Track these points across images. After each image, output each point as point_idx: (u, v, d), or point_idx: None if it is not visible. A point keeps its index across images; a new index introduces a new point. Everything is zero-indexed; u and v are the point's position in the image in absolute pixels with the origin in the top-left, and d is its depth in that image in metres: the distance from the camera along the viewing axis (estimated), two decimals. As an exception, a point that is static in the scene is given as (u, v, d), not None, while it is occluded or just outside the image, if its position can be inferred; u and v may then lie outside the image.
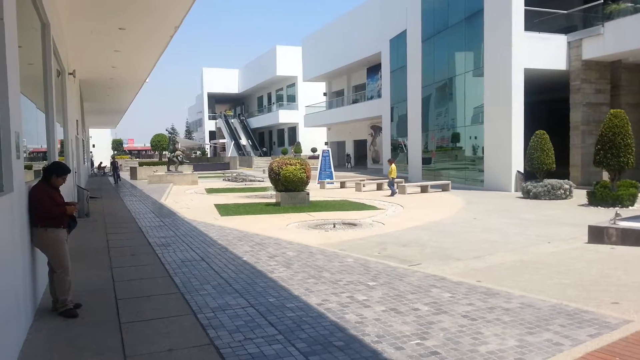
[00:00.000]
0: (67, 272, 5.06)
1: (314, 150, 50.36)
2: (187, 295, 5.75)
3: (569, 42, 19.81)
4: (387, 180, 18.68)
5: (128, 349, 4.21)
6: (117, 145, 73.00)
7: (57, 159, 8.65)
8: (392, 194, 18.24)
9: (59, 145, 9.87)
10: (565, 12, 20.60)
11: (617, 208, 12.41)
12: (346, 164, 45.72)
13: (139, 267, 7.29)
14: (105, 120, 41.73)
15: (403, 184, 20.09)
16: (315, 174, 21.24)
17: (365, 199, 17.28)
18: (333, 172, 24.23)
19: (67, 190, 9.82)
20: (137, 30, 11.86)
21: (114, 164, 29.59)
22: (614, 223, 8.80)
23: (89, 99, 25.17)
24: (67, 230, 5.21)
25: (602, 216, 10.84)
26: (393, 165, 18.89)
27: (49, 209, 4.92)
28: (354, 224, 11.77)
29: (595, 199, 13.93)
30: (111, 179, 30.67)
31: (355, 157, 45.81)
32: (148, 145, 69.27)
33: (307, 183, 15.68)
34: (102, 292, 5.94)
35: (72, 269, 5.23)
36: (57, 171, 5.14)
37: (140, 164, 40.57)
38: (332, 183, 23.58)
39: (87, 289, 6.03)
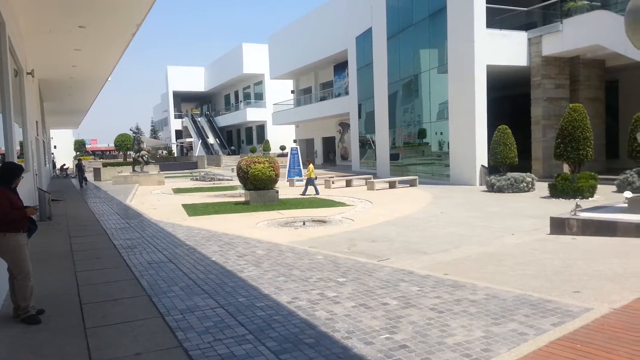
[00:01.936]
0: (28, 277, 4.91)
1: (282, 148, 50.20)
2: (155, 298, 5.66)
3: (529, 39, 20.33)
4: (306, 180, 18.74)
5: (94, 354, 4.12)
6: (79, 146, 70.99)
7: (16, 161, 8.39)
8: (316, 192, 18.20)
9: (18, 147, 9.57)
10: (526, 9, 21.11)
11: (578, 199, 12.81)
12: (326, 157, 45.57)
13: (104, 271, 7.13)
14: (66, 120, 40.64)
15: (372, 180, 20.27)
16: (284, 171, 21.20)
17: (334, 196, 17.35)
18: (302, 170, 24.20)
19: (28, 193, 9.53)
20: (97, 28, 11.58)
21: (78, 166, 28.58)
22: (575, 214, 9.07)
23: (49, 98, 24.45)
24: (27, 234, 5.07)
25: (563, 208, 11.15)
26: (311, 165, 18.95)
27: (7, 212, 4.77)
28: (324, 221, 11.80)
29: (557, 191, 14.35)
30: (74, 181, 29.83)
31: (324, 153, 45.89)
32: (112, 145, 67.66)
33: (276, 181, 15.64)
34: (66, 297, 5.79)
35: (34, 274, 5.08)
36: (9, 172, 4.99)
37: (105, 165, 39.67)
38: (301, 180, 23.55)
39: (50, 294, 5.87)
